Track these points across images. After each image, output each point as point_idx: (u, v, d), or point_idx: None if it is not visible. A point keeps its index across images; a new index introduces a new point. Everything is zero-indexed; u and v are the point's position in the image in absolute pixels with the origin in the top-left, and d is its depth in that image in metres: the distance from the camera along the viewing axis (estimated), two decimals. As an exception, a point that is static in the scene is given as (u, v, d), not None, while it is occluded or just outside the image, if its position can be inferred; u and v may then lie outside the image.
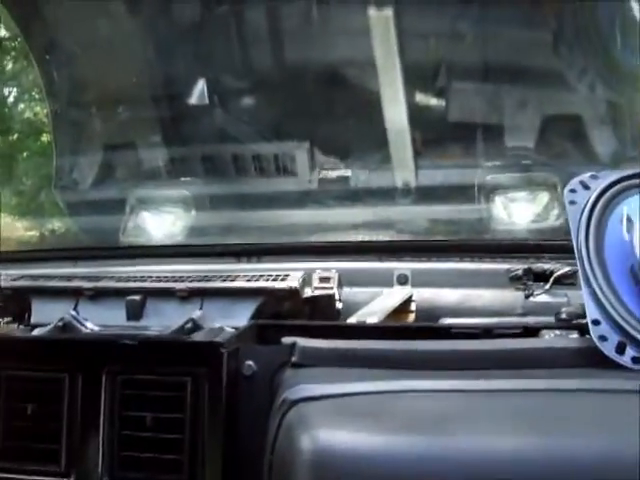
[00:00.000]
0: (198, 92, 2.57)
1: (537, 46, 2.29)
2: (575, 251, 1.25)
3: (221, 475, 1.26)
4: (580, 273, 1.24)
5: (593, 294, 1.21)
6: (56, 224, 2.85)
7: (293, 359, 1.24)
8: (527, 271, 1.77)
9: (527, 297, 1.74)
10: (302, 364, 1.23)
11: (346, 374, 1.16)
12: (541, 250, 1.84)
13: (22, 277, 1.85)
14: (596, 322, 1.19)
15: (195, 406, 1.29)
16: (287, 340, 1.28)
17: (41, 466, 1.35)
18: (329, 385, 1.09)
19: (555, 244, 1.87)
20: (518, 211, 2.32)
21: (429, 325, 1.53)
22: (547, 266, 1.77)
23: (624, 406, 1.01)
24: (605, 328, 1.18)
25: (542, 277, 1.76)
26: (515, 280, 1.77)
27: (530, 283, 1.76)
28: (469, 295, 1.75)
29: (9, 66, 3.40)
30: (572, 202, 1.31)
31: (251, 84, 2.62)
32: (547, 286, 1.74)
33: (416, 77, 2.36)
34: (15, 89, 3.34)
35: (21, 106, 3.41)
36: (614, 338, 1.17)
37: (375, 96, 2.29)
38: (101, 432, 1.33)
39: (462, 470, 0.91)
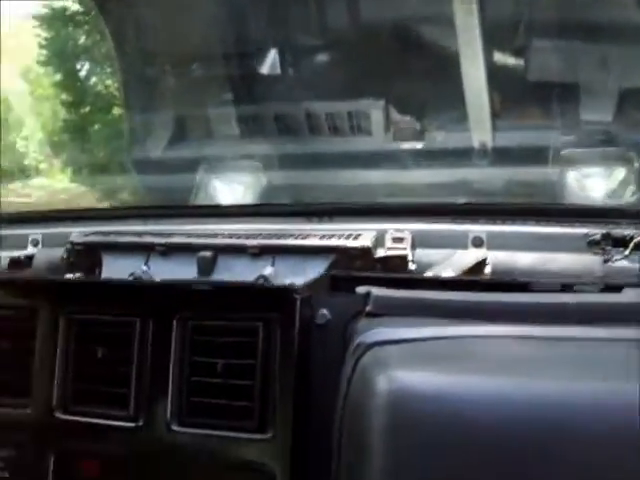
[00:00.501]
0: (272, 51, 2.56)
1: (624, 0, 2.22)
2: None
3: (292, 421, 1.25)
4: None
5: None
6: (127, 185, 2.87)
7: (367, 308, 1.22)
8: (606, 236, 1.72)
9: (606, 262, 1.69)
10: (376, 313, 1.21)
11: (421, 323, 1.14)
12: (620, 215, 1.79)
13: (93, 233, 1.85)
14: (686, 279, 1.15)
15: (266, 352, 1.28)
16: (361, 289, 1.26)
17: (110, 410, 1.36)
18: (405, 329, 1.07)
19: (635, 209, 1.83)
20: (593, 186, 2.26)
21: (505, 280, 1.50)
22: (627, 231, 1.72)
23: None
24: (695, 285, 1.15)
25: (621, 242, 1.70)
26: (593, 245, 1.72)
27: (609, 248, 1.70)
28: (545, 258, 1.70)
29: (81, 40, 3.45)
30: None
31: (326, 42, 2.59)
32: (627, 252, 1.69)
33: (495, 35, 2.30)
34: (87, 63, 3.37)
35: (93, 79, 3.45)
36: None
37: (453, 55, 2.25)
38: (171, 377, 1.33)
39: (535, 412, 0.90)
